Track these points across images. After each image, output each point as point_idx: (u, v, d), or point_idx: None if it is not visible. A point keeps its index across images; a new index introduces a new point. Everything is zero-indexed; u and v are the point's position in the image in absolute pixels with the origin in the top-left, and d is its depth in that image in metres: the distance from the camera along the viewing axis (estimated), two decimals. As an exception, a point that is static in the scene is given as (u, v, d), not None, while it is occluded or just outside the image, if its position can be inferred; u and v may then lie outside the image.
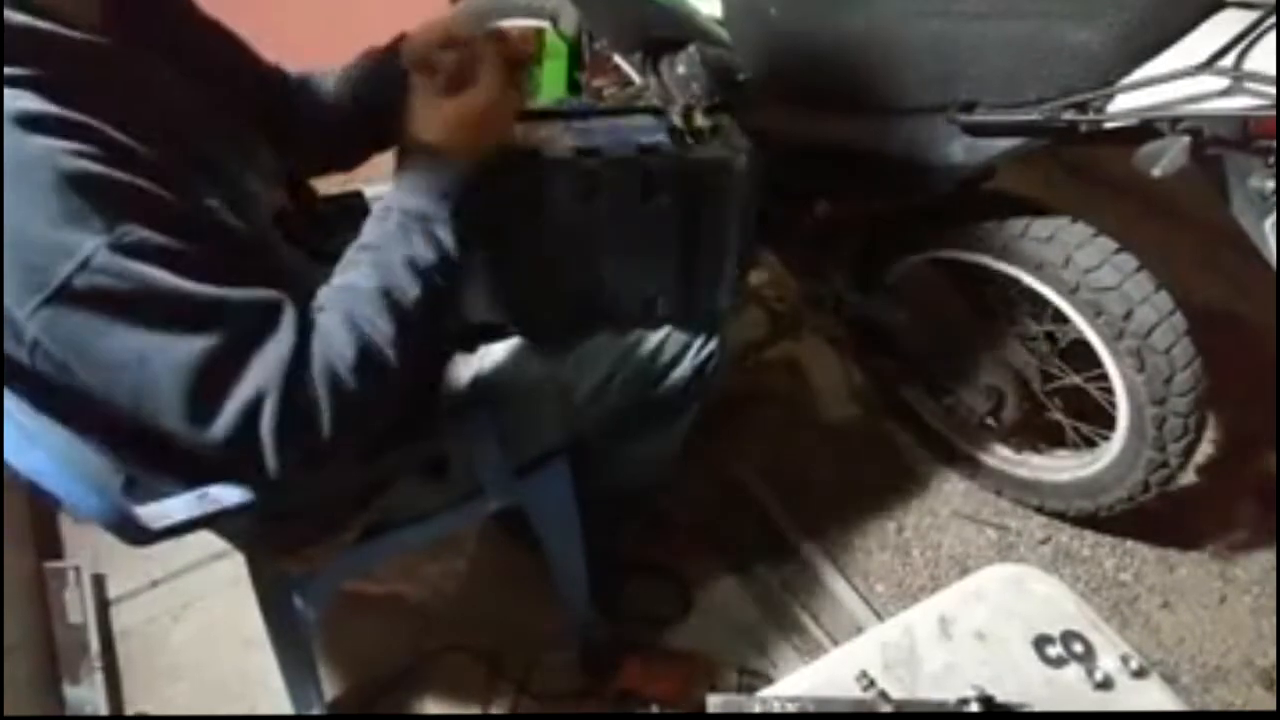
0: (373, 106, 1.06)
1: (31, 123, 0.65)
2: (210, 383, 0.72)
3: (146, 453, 0.87)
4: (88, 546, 1.55)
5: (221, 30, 1.02)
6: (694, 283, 1.14)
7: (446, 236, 0.85)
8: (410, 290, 0.82)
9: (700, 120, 1.11)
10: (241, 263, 0.76)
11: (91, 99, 0.69)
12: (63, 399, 0.78)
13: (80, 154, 0.66)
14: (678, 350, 1.17)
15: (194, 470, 0.87)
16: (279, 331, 0.74)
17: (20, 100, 0.66)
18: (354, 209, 1.12)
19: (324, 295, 0.82)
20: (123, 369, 0.71)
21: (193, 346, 0.70)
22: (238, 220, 0.81)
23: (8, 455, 0.81)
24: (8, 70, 0.66)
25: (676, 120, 1.11)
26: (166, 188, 0.72)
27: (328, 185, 1.12)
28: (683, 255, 1.12)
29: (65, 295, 0.66)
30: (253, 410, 0.73)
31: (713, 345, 1.18)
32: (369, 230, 0.86)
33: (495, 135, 0.92)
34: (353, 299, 0.80)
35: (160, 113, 0.78)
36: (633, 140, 1.07)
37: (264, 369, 0.73)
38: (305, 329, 0.77)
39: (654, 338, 1.16)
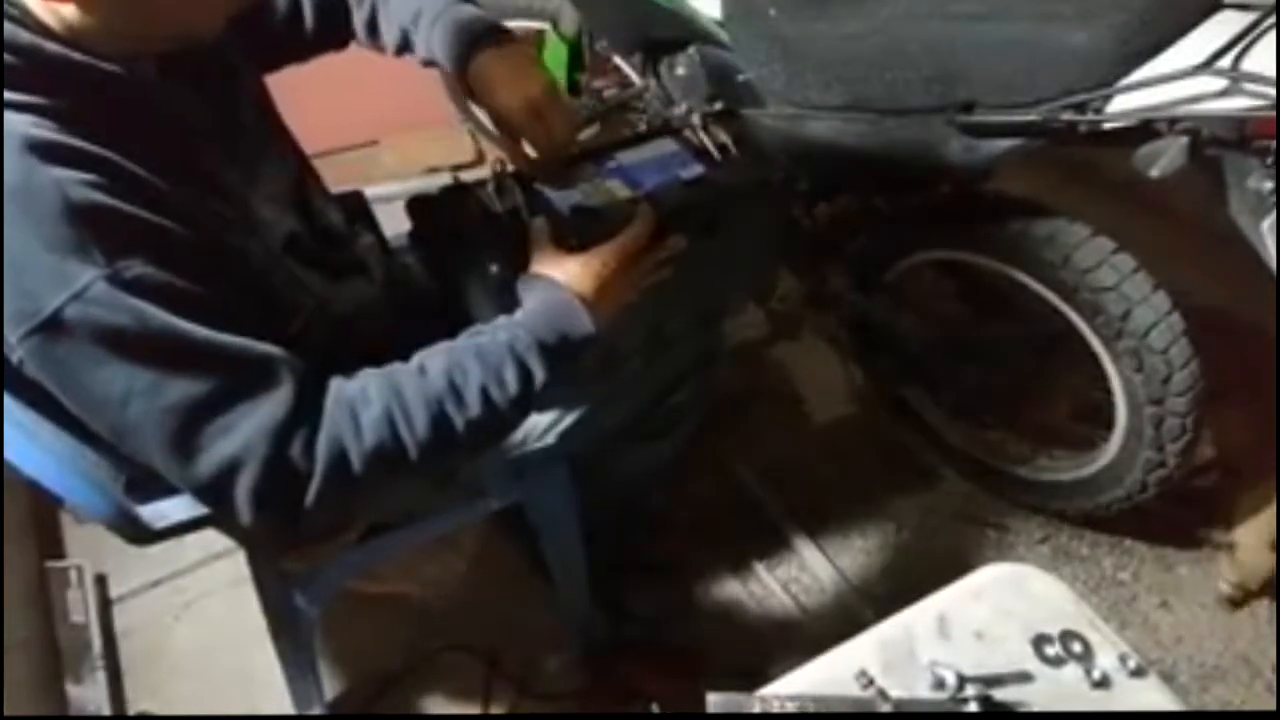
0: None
1: (44, 150, 0.65)
2: (192, 431, 0.69)
3: None
4: (89, 546, 1.55)
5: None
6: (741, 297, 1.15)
7: (537, 383, 0.81)
8: (470, 413, 0.78)
9: (721, 135, 1.10)
10: (250, 310, 0.75)
11: (112, 131, 0.69)
12: (59, 407, 0.78)
13: (90, 184, 0.66)
14: (678, 374, 1.18)
15: None
16: (276, 391, 0.72)
17: (37, 128, 0.66)
18: (357, 214, 1.12)
19: (380, 373, 0.78)
20: (106, 404, 0.69)
21: (180, 391, 0.68)
22: (252, 248, 0.81)
23: (9, 455, 0.81)
24: (29, 98, 0.66)
25: (698, 139, 1.10)
26: (181, 223, 0.71)
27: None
28: (738, 275, 1.14)
29: (55, 325, 0.65)
30: (231, 469, 0.70)
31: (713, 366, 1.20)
32: (474, 332, 0.84)
33: (624, 299, 0.91)
34: (404, 390, 0.77)
35: (181, 143, 0.77)
36: (673, 175, 1.06)
37: (251, 430, 0.70)
38: (313, 392, 0.74)
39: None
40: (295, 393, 0.73)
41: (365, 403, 0.75)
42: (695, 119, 1.14)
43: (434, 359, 0.80)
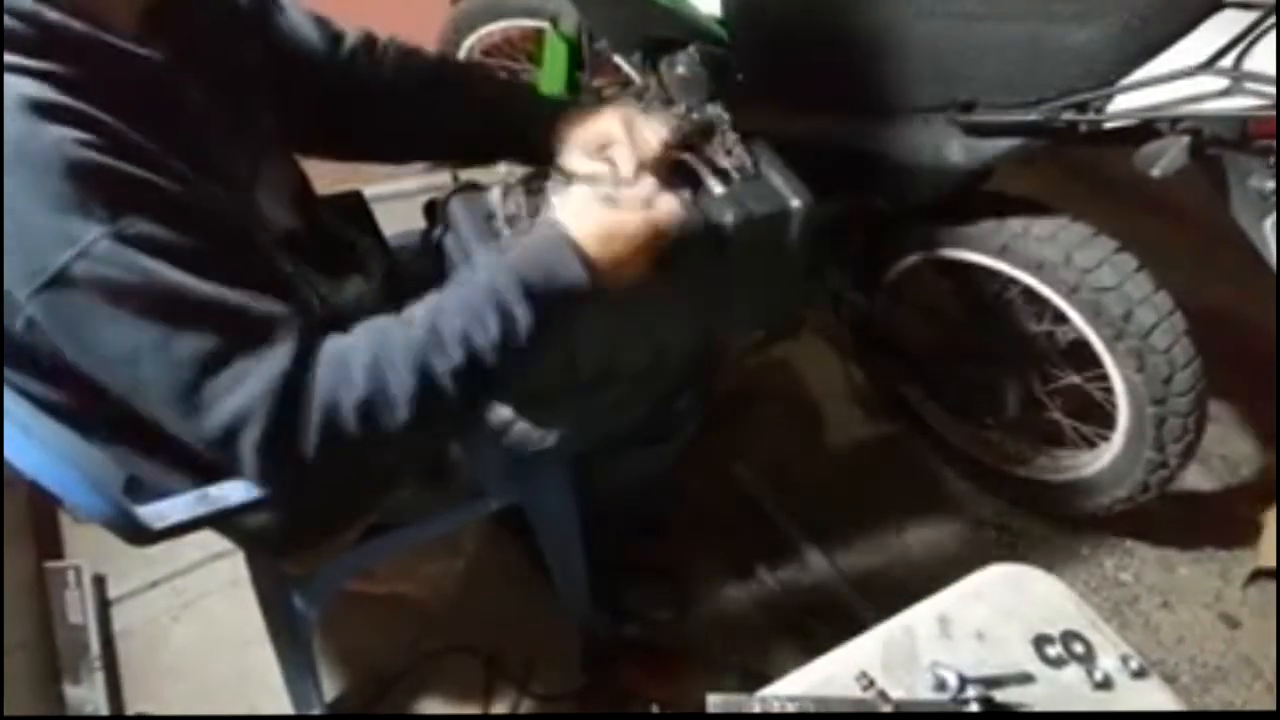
0: (439, 121, 1.04)
1: (44, 110, 0.65)
2: (201, 385, 0.71)
3: (148, 443, 0.87)
4: (88, 546, 1.55)
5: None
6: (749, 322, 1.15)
7: (522, 328, 0.79)
8: (453, 360, 0.77)
9: (745, 156, 1.08)
10: (252, 267, 0.75)
11: (116, 102, 0.69)
12: (64, 379, 0.78)
13: (90, 144, 0.66)
14: (682, 379, 1.17)
15: (197, 465, 0.87)
16: (279, 345, 0.72)
17: (39, 90, 0.66)
18: (356, 214, 1.11)
19: (368, 324, 0.79)
20: (116, 361, 0.70)
21: (187, 346, 0.69)
22: (254, 233, 0.80)
23: (8, 454, 0.81)
24: (30, 62, 0.67)
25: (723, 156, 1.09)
26: (178, 186, 0.71)
27: (323, 185, 1.12)
28: (749, 301, 1.12)
29: (63, 281, 0.66)
30: (238, 422, 0.71)
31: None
32: (456, 279, 0.82)
33: (633, 272, 0.87)
34: (390, 341, 0.77)
35: (185, 126, 0.77)
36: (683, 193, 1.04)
37: (256, 384, 0.71)
38: (313, 348, 0.75)
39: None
40: (298, 345, 0.74)
41: (354, 352, 0.76)
42: (729, 140, 1.11)
43: (419, 307, 0.80)
